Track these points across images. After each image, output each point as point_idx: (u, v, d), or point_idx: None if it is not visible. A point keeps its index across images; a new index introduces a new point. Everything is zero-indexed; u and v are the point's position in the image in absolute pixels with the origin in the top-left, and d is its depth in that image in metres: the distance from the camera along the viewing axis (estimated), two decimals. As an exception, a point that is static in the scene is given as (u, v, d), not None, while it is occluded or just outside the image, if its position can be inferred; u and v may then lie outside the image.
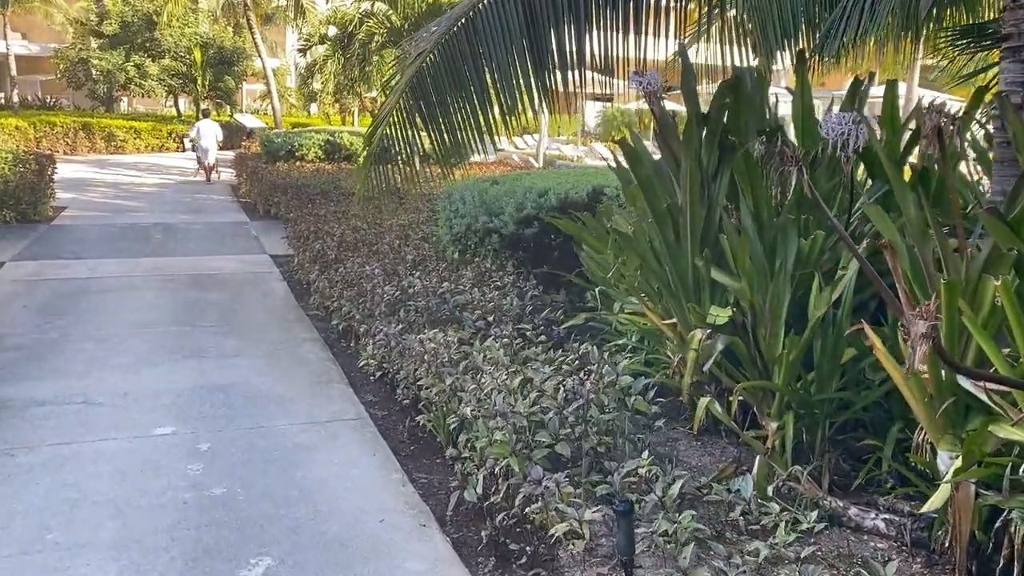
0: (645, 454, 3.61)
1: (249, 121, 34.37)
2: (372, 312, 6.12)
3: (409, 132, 6.13)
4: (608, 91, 6.33)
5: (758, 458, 4.02)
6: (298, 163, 17.35)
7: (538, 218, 7.36)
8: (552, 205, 7.34)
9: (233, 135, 31.88)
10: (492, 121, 5.95)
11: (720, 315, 4.47)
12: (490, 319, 5.78)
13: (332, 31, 20.04)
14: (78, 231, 12.78)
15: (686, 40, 6.39)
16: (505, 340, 4.77)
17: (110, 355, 6.49)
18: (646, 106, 5.07)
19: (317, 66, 22.07)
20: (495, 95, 5.88)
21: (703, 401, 4.08)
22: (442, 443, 4.75)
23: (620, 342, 5.68)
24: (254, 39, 25.66)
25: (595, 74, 5.99)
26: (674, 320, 4.90)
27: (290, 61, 38.93)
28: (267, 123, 34.16)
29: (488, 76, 5.85)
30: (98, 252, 11.11)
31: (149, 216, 14.67)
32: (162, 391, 5.67)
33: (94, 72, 29.16)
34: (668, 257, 4.66)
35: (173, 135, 29.37)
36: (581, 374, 4.04)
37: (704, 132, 4.73)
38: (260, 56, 25.42)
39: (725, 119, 4.77)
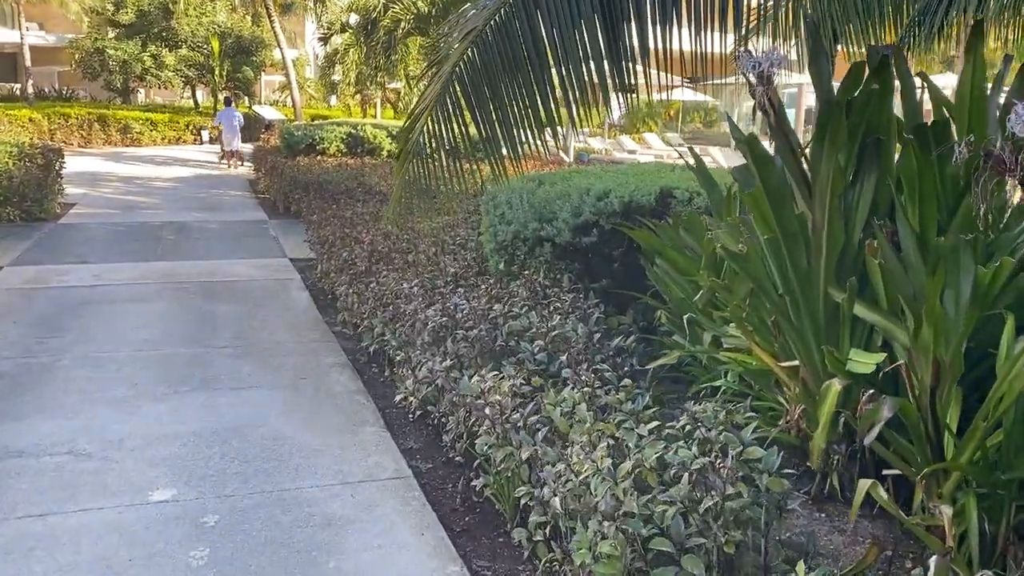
0: (801, 569, 2.64)
1: (268, 113, 33.54)
2: (411, 339, 5.18)
3: (455, 126, 5.17)
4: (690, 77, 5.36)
5: (935, 559, 3.05)
6: (319, 157, 16.44)
7: (597, 225, 6.39)
8: (614, 210, 6.37)
9: (251, 127, 31.07)
10: (555, 113, 4.98)
11: (865, 362, 3.50)
12: (551, 347, 4.82)
13: (354, 19, 19.12)
14: (86, 230, 11.92)
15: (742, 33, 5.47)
16: (585, 387, 3.81)
17: (106, 385, 5.58)
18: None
19: (338, 56, 21.15)
20: (559, 83, 4.91)
21: (864, 484, 3.11)
22: (506, 516, 3.81)
23: (714, 382, 4.72)
24: (273, 28, 24.78)
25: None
26: (795, 363, 3.94)
27: (309, 51, 38.11)
28: (286, 115, 33.36)
29: (551, 59, 4.88)
30: (105, 255, 10.25)
31: (162, 214, 13.81)
32: (164, 436, 4.75)
33: (110, 62, 28.39)
34: (797, 284, 3.68)
35: (190, 127, 28.59)
36: (711, 455, 3.07)
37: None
38: (279, 46, 24.54)
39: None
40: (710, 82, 5.09)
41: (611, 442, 3.36)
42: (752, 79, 3.92)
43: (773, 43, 5.79)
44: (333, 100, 35.76)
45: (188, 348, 6.51)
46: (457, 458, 4.17)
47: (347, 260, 7.27)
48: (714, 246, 4.61)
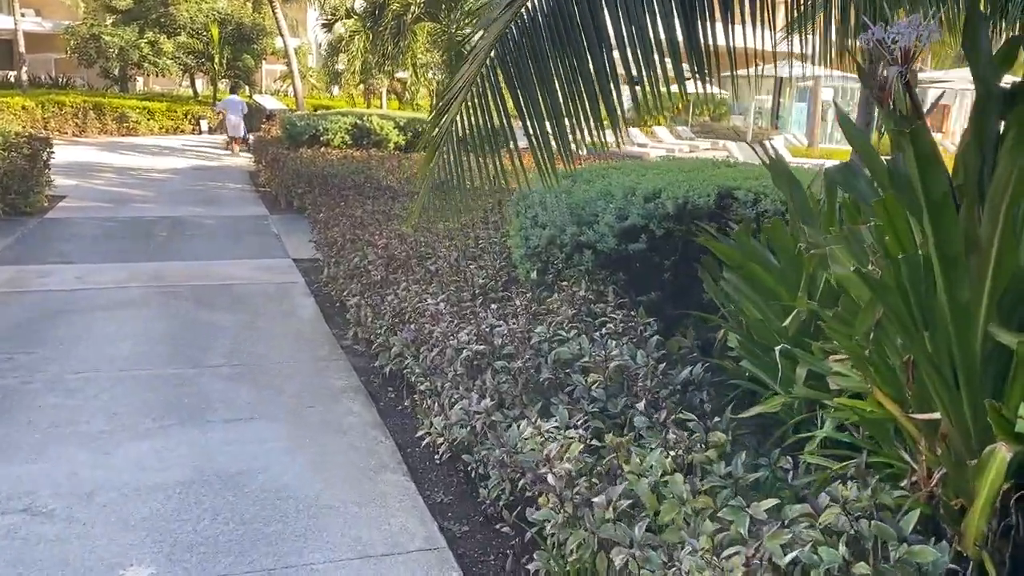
0: None
1: (269, 103, 32.63)
2: (439, 366, 4.36)
3: (495, 116, 4.34)
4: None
5: None
6: (323, 149, 15.62)
7: (647, 229, 5.58)
8: (667, 213, 5.55)
9: (252, 117, 30.18)
10: (615, 104, 4.15)
11: (1049, 425, 2.69)
12: (610, 384, 4.01)
13: (360, 3, 18.25)
14: (73, 226, 11.09)
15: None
16: (673, 447, 2.99)
17: (80, 416, 4.77)
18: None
19: (343, 43, 20.25)
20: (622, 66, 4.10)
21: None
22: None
23: (786, 417, 3.91)
24: (275, 15, 23.91)
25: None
26: (935, 416, 3.12)
27: (311, 39, 37.20)
28: (288, 105, 32.47)
29: (613, 37, 4.06)
30: (92, 254, 9.42)
31: (156, 208, 12.98)
32: (145, 487, 3.94)
33: (107, 49, 27.49)
34: (950, 319, 2.87)
35: (189, 116, 27.73)
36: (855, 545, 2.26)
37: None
38: (281, 33, 23.65)
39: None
40: (727, 74, 4.28)
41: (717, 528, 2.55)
42: (885, 57, 3.10)
43: (810, 34, 4.99)
44: (335, 90, 34.87)
45: (177, 367, 5.70)
46: (504, 528, 3.35)
47: (359, 266, 6.45)
48: (815, 263, 3.80)
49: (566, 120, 4.19)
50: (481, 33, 4.52)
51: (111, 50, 27.46)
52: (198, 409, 4.94)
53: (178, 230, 11.17)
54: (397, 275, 5.90)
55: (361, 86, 25.93)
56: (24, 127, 21.22)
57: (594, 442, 3.23)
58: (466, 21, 14.37)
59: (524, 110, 4.23)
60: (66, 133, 24.66)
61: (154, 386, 5.31)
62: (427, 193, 4.56)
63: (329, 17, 20.78)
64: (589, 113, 4.14)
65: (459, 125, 4.36)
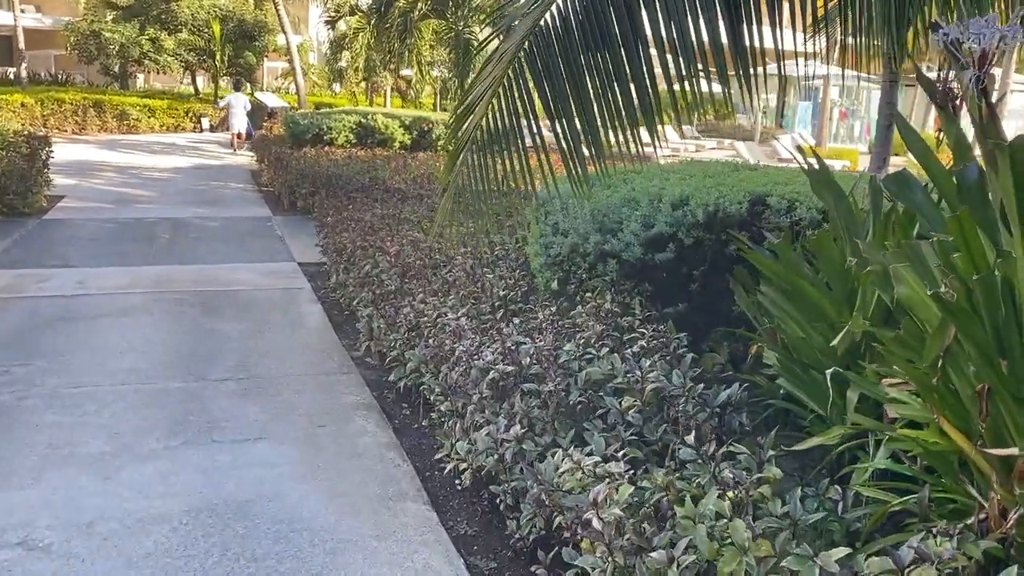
0: None
1: (271, 100, 32.33)
2: (462, 386, 4.09)
3: (522, 119, 4.08)
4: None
5: None
6: (327, 148, 15.35)
7: (675, 238, 5.32)
8: (696, 221, 5.29)
9: (254, 115, 29.87)
10: (652, 104, 3.90)
11: None
12: (646, 407, 3.75)
13: (365, 0, 17.99)
14: (73, 228, 10.83)
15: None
16: (729, 486, 2.73)
17: (80, 436, 4.51)
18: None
19: (346, 40, 19.98)
20: (663, 65, 3.84)
21: None
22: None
23: (855, 457, 3.64)
24: (277, 11, 23.60)
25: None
26: (1014, 451, 2.86)
27: (313, 37, 36.91)
28: (290, 103, 32.18)
29: (651, 36, 3.80)
30: (92, 257, 9.16)
31: (158, 208, 12.71)
32: (149, 517, 3.68)
33: (107, 46, 27.20)
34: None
35: (190, 114, 27.44)
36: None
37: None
38: (284, 30, 23.35)
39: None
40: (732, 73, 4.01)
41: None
42: (957, 59, 2.85)
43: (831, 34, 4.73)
44: (337, 88, 34.56)
45: (182, 381, 5.44)
46: (539, 572, 3.08)
47: (370, 274, 6.19)
48: (868, 280, 3.54)
49: (598, 122, 3.94)
50: (509, 30, 4.25)
51: (111, 47, 27.18)
52: (204, 428, 4.68)
53: (181, 232, 10.91)
54: (411, 285, 5.63)
55: (364, 84, 25.67)
56: (23, 125, 20.97)
57: (630, 469, 2.97)
58: (474, 18, 14.15)
59: (553, 112, 3.97)
60: (66, 131, 24.38)
61: (158, 402, 5.05)
62: (451, 200, 4.29)
63: (333, 14, 20.52)
64: (624, 115, 3.89)
65: (484, 128, 4.10)
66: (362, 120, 16.13)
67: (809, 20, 4.24)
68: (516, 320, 4.73)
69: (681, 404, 3.75)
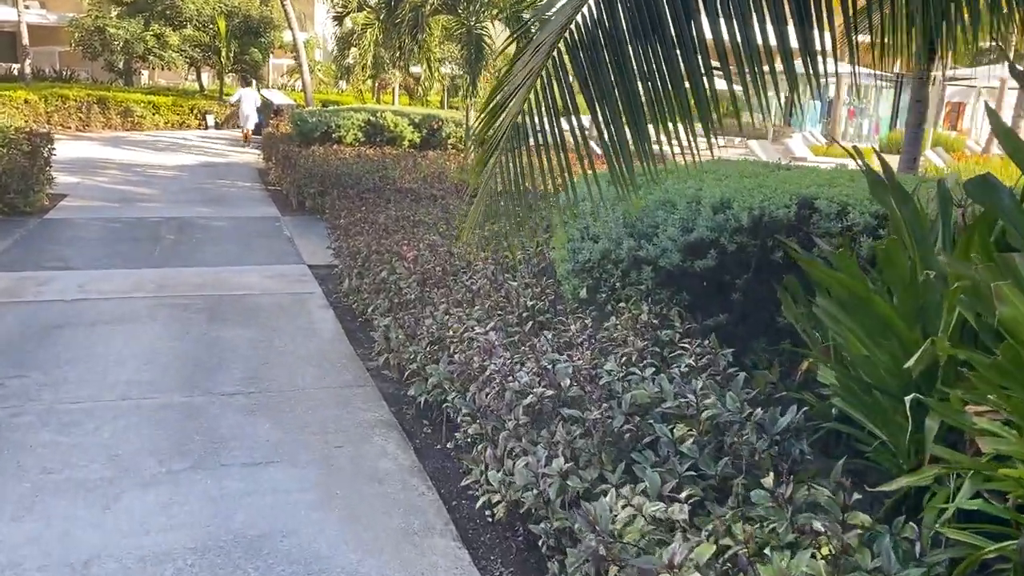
0: None
1: (277, 97, 31.96)
2: (494, 409, 3.73)
3: (562, 116, 3.71)
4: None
5: None
6: (335, 146, 15.00)
7: (717, 244, 4.96)
8: (739, 226, 4.93)
9: (261, 112, 29.53)
10: (706, 100, 3.52)
11: None
12: (702, 437, 3.39)
13: (375, -5, 17.61)
14: (75, 228, 10.48)
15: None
16: (815, 528, 2.37)
17: (77, 459, 4.16)
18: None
19: (354, 36, 19.61)
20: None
21: None
22: None
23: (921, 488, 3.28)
24: (284, 7, 23.24)
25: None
26: None
27: (319, 33, 36.56)
28: (296, 100, 31.84)
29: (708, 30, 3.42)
30: (94, 259, 8.82)
31: (162, 207, 12.37)
32: (151, 556, 3.33)
33: (111, 42, 26.86)
34: None
35: (195, 111, 27.11)
36: None
37: None
38: (290, 26, 22.98)
39: None
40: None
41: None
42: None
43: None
44: (342, 85, 34.19)
45: (187, 395, 5.09)
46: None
47: (386, 282, 5.83)
48: (956, 297, 3.18)
49: (647, 118, 3.57)
50: (544, 21, 3.88)
51: (116, 43, 26.84)
52: (211, 449, 4.33)
53: (186, 232, 10.56)
54: (432, 293, 5.28)
55: (371, 81, 25.31)
56: (26, 121, 20.66)
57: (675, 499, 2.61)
58: (486, 13, 13.75)
59: (597, 108, 3.61)
60: (69, 128, 24.08)
61: (161, 419, 4.70)
62: (484, 204, 3.92)
63: (340, 10, 20.15)
64: (676, 112, 3.52)
65: (522, 125, 3.73)
66: (371, 118, 15.77)
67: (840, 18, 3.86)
68: (548, 334, 4.36)
69: (737, 431, 3.40)
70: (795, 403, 3.91)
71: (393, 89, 23.51)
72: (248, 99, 23.69)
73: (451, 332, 4.45)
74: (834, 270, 3.95)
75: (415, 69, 21.49)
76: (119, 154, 19.10)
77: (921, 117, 8.57)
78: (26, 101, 23.31)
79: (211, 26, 27.95)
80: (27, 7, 29.71)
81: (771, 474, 2.79)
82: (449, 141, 15.79)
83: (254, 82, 31.14)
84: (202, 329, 6.46)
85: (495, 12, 13.85)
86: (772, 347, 5.12)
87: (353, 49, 20.89)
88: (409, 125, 15.72)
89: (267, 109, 28.62)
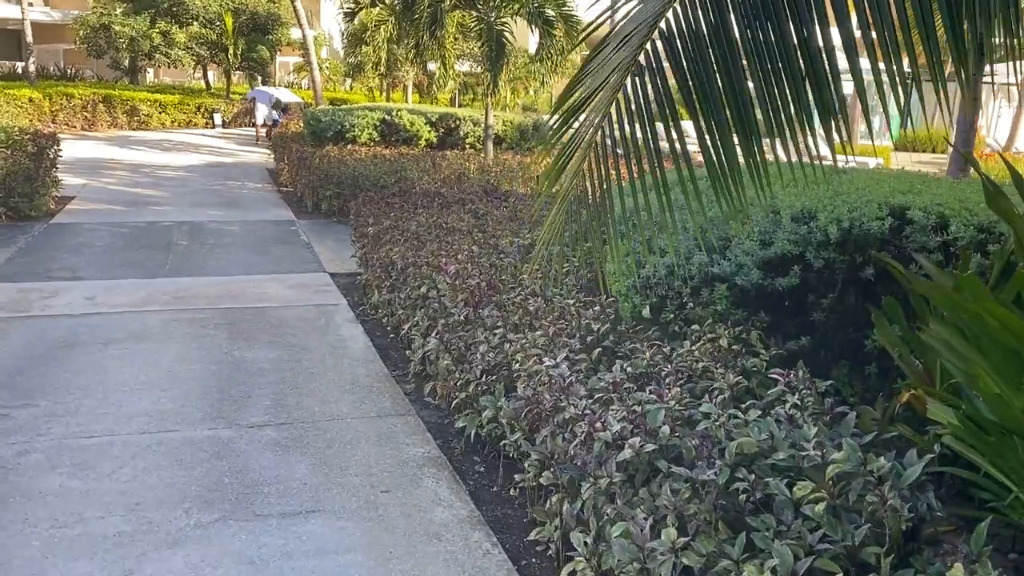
0: None
1: (284, 95, 31.49)
2: (583, 463, 3.22)
3: (655, 118, 3.20)
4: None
5: None
6: (349, 146, 14.51)
7: (802, 259, 4.45)
8: (827, 239, 4.42)
9: (275, 110, 29.05)
10: (832, 98, 3.00)
11: None
12: (832, 500, 2.88)
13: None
14: (82, 233, 10.00)
15: None
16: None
17: (93, 510, 3.66)
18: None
19: (367, 33, 19.11)
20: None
21: None
22: None
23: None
24: (293, 3, 22.74)
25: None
26: None
27: (327, 30, 36.04)
28: (304, 98, 31.35)
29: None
30: (103, 268, 8.33)
31: (173, 211, 11.88)
32: (182, 638, 2.83)
33: (116, 40, 26.39)
34: None
35: (202, 110, 26.63)
36: None
37: None
38: (299, 23, 22.47)
39: None
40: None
41: None
42: None
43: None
44: (348, 83, 33.66)
45: (213, 427, 4.59)
46: None
47: (427, 297, 5.34)
48: None
49: (758, 117, 3.06)
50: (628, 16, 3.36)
51: (121, 40, 26.39)
52: (243, 495, 3.83)
53: (199, 238, 10.07)
54: (481, 312, 4.77)
55: (381, 79, 24.80)
56: (31, 121, 20.20)
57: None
58: (507, 8, 13.25)
59: (697, 106, 3.10)
60: (75, 127, 23.64)
61: (185, 457, 4.20)
62: (562, 217, 3.41)
63: (352, 5, 19.63)
64: (792, 111, 3.00)
65: (608, 127, 3.22)
66: (386, 117, 15.27)
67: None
68: (626, 367, 3.85)
69: (861, 486, 2.89)
70: (910, 447, 3.40)
71: (406, 87, 23.00)
72: (263, 97, 23.71)
73: (517, 363, 3.94)
74: (957, 294, 3.44)
75: (431, 67, 20.98)
76: (126, 154, 18.63)
77: (974, 117, 8.07)
78: (30, 100, 22.85)
79: (218, 23, 27.49)
80: (31, 4, 29.23)
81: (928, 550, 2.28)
82: (467, 141, 15.29)
83: (260, 79, 30.72)
84: (223, 348, 5.97)
85: (517, 7, 13.34)
86: (855, 373, 4.64)
87: (365, 47, 20.35)
88: (426, 124, 15.22)
89: (276, 107, 28.17)
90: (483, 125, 14.87)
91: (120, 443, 4.34)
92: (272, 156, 17.09)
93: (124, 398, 4.96)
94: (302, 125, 17.54)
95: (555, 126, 3.46)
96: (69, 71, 30.85)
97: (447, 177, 12.06)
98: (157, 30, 26.43)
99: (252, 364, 5.65)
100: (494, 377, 4.14)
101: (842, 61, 2.86)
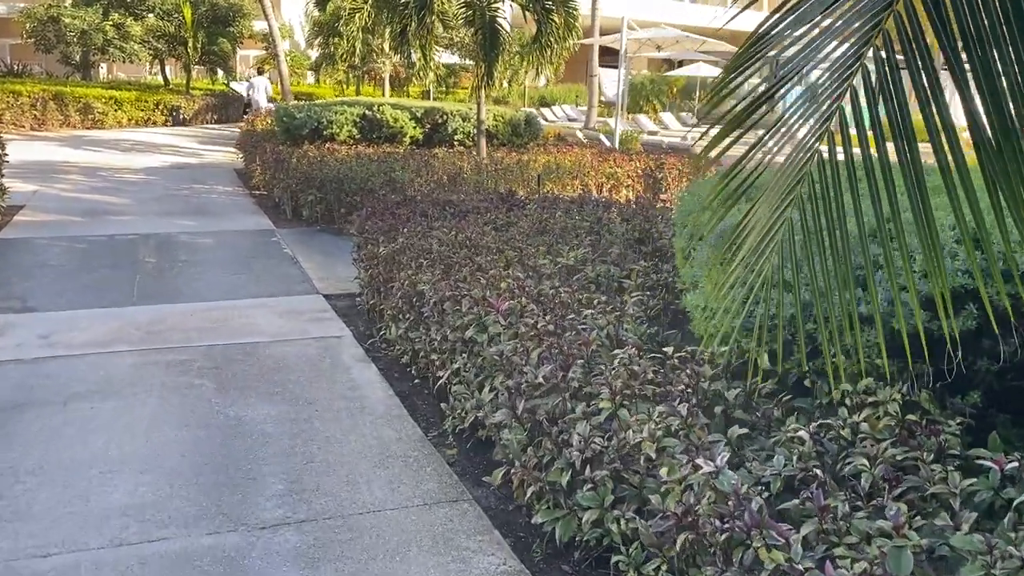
0: None
1: (247, 90, 30.05)
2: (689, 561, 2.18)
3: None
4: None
5: None
6: (327, 145, 13.30)
7: (976, 296, 3.46)
8: (1007, 268, 3.42)
9: (228, 106, 27.63)
10: None
11: None
12: None
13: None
14: (34, 251, 8.73)
15: None
16: None
17: None
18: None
19: (342, 21, 17.80)
20: None
21: None
22: None
23: None
24: (256, -8, 21.39)
25: None
26: None
27: (289, 21, 34.53)
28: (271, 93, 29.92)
29: None
30: (59, 295, 7.10)
31: (137, 221, 10.60)
32: None
33: (67, 33, 24.73)
34: None
35: (161, 107, 25.09)
36: None
37: None
38: (265, 13, 21.12)
39: None
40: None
41: None
42: None
43: None
44: (311, 77, 32.24)
45: (213, 530, 3.47)
46: None
47: (476, 342, 4.25)
48: None
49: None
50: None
51: (72, 34, 24.72)
52: (269, 654, 2.73)
53: (169, 254, 8.85)
54: (567, 372, 3.69)
55: (352, 72, 23.52)
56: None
57: None
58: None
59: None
60: (23, 127, 22.04)
61: (180, 587, 3.08)
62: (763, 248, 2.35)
63: (323, -7, 18.35)
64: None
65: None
66: (367, 112, 14.06)
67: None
68: (749, 450, 2.81)
69: None
70: None
71: (381, 79, 21.66)
72: (260, 87, 22.58)
73: (641, 455, 2.87)
74: None
75: (414, 57, 19.74)
76: (81, 156, 17.18)
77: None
78: (-26, 99, 21.23)
79: (176, 15, 25.94)
80: (-27, -3, 27.46)
81: None
82: (456, 137, 14.15)
83: (221, 73, 29.26)
84: (212, 404, 4.83)
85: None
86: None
87: (337, 38, 19.05)
88: (411, 120, 14.05)
89: (238, 104, 26.79)
90: (474, 120, 13.75)
91: (89, 565, 3.20)
92: (241, 156, 15.78)
93: (92, 487, 3.81)
94: (271, 122, 16.27)
95: (723, 126, 2.38)
96: (16, 67, 29.05)
97: (439, 181, 10.95)
98: (110, 22, 24.80)
99: (251, 427, 4.53)
100: (608, 476, 3.07)
101: None
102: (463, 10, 12.85)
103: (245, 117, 21.28)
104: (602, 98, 31.83)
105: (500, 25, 12.31)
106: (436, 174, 11.18)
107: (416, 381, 5.26)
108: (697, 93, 36.59)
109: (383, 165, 11.23)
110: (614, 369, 3.51)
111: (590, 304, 4.69)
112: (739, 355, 4.04)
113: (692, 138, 26.55)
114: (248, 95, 24.25)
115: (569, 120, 30.35)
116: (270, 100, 22.43)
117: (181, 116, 25.31)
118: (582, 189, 11.99)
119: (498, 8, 12.43)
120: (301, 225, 10.71)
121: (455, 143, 14.14)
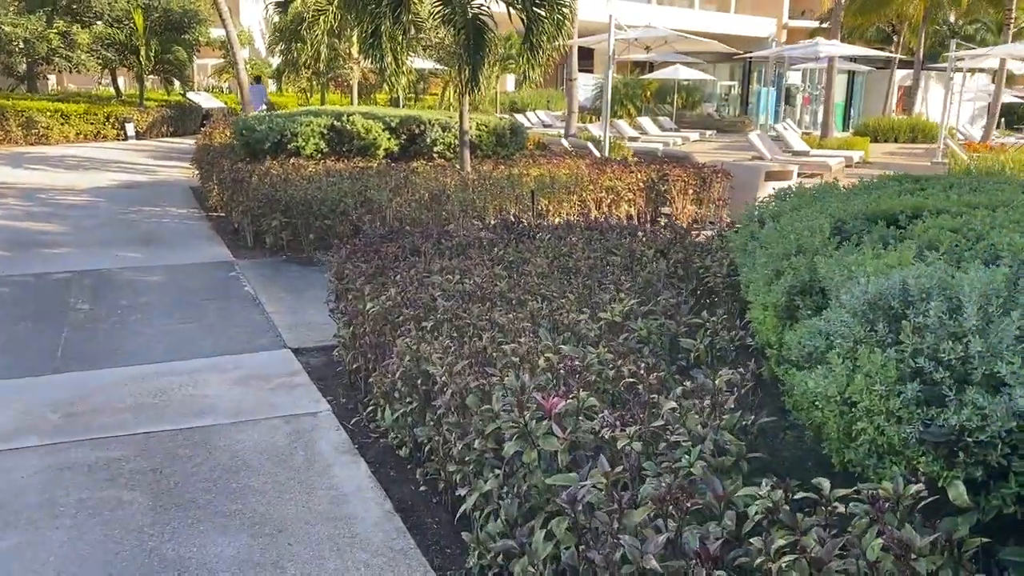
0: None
1: (205, 101, 28.51)
2: None
3: None
4: None
5: None
6: (292, 160, 11.92)
7: None
8: None
9: (185, 118, 26.04)
10: None
11: None
12: None
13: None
14: (-58, 298, 7.28)
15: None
16: None
17: None
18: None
19: (305, 25, 16.42)
20: None
21: None
22: None
23: None
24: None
25: None
26: None
27: (248, 28, 32.94)
28: (227, 103, 28.40)
29: None
30: (-38, 361, 5.69)
31: (73, 254, 9.15)
32: None
33: (8, 42, 23.02)
34: None
35: (112, 120, 23.46)
36: None
37: None
38: (222, 19, 19.60)
39: None
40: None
41: None
42: None
43: None
44: (273, 85, 30.70)
45: None
46: None
47: (524, 466, 2.95)
48: None
49: None
50: None
51: (14, 43, 22.99)
52: None
53: (108, 297, 7.44)
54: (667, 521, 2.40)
55: (316, 79, 22.08)
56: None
57: None
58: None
59: None
60: (-40, 143, 20.36)
61: None
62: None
63: (283, -5, 16.95)
64: None
65: None
66: (335, 123, 12.69)
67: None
68: None
69: None
70: None
71: (351, 86, 20.25)
72: (256, 94, 20.72)
73: None
74: None
75: (387, 60, 18.36)
76: (19, 175, 15.61)
77: None
78: (-96, 114, 19.52)
79: (126, 22, 24.30)
80: (-93, 6, 25.60)
81: None
82: (435, 149, 12.83)
83: (177, 84, 27.67)
84: (145, 537, 3.47)
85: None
86: None
87: (300, 44, 17.64)
88: (384, 131, 12.70)
89: (193, 115, 25.25)
90: (455, 130, 12.45)
91: None
92: (195, 173, 14.32)
93: None
94: (229, 134, 14.84)
95: None
96: (-45, 80, 27.24)
97: (423, 199, 9.64)
98: (55, 31, 23.11)
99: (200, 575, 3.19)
100: None
101: None
102: (440, 7, 11.55)
103: (203, 130, 19.79)
104: (579, 102, 30.64)
105: (485, 23, 11.04)
106: (418, 192, 9.85)
107: (422, 487, 3.95)
108: (674, 96, 35.57)
109: (356, 183, 9.88)
110: (767, 536, 2.21)
111: (662, 385, 3.42)
112: (910, 472, 2.77)
113: (674, 143, 25.45)
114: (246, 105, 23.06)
115: (544, 126, 29.08)
116: (206, 116, 20.89)
117: (134, 129, 23.70)
118: (580, 205, 10.76)
119: (481, 5, 11.16)
120: (264, 255, 9.34)
121: (435, 155, 12.83)
